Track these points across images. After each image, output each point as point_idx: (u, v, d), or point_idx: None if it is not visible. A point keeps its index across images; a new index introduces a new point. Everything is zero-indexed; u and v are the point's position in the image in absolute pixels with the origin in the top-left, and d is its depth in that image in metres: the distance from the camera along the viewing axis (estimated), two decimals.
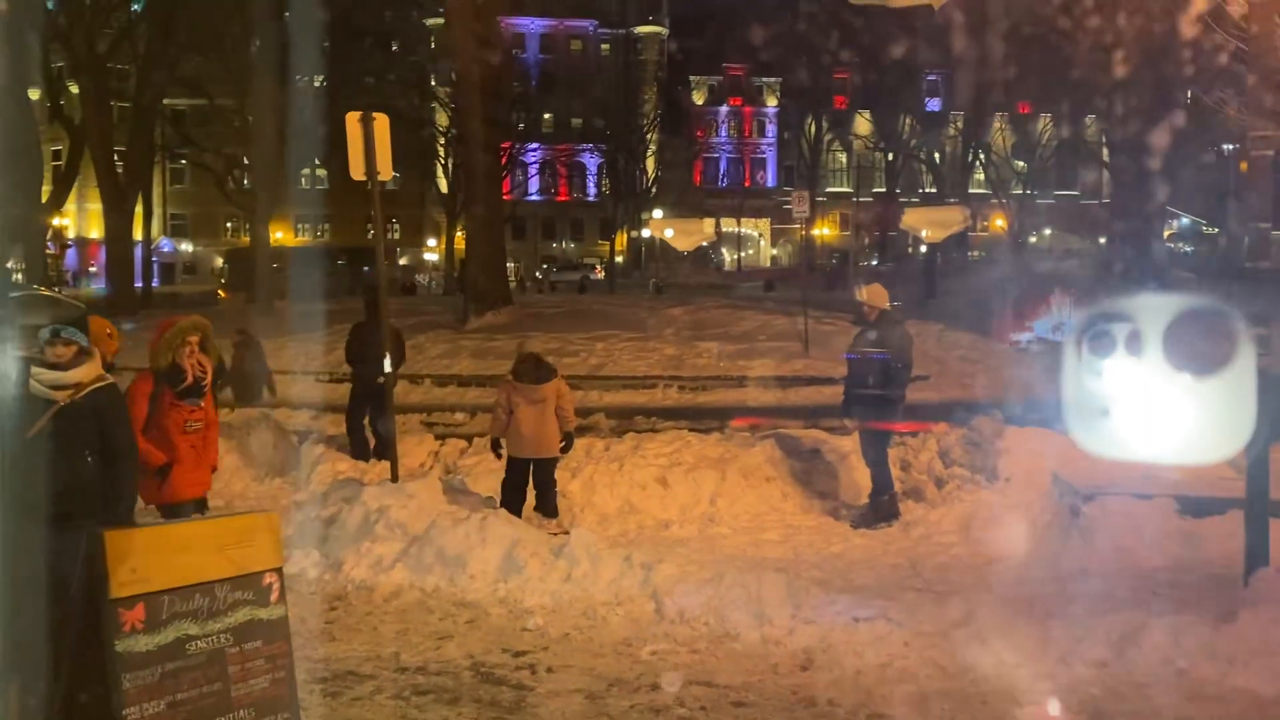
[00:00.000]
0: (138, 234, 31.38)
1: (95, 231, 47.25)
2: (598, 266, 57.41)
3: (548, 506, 8.29)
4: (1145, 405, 5.57)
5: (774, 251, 70.52)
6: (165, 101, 31.95)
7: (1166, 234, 41.89)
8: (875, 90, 54.88)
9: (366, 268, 34.31)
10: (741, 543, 8.17)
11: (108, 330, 5.90)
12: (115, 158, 28.04)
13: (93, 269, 52.08)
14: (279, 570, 4.00)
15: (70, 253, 53.04)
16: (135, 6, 29.78)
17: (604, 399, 13.96)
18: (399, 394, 12.90)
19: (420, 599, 6.72)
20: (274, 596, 3.94)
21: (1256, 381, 5.31)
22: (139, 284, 30.27)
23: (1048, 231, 64.01)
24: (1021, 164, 54.42)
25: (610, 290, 39.55)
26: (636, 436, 10.18)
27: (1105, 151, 41.64)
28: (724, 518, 8.71)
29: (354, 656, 5.75)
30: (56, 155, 38.88)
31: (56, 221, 36.86)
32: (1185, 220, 54.05)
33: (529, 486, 8.33)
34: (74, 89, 30.98)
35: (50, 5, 27.81)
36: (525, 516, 8.15)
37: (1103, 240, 46.66)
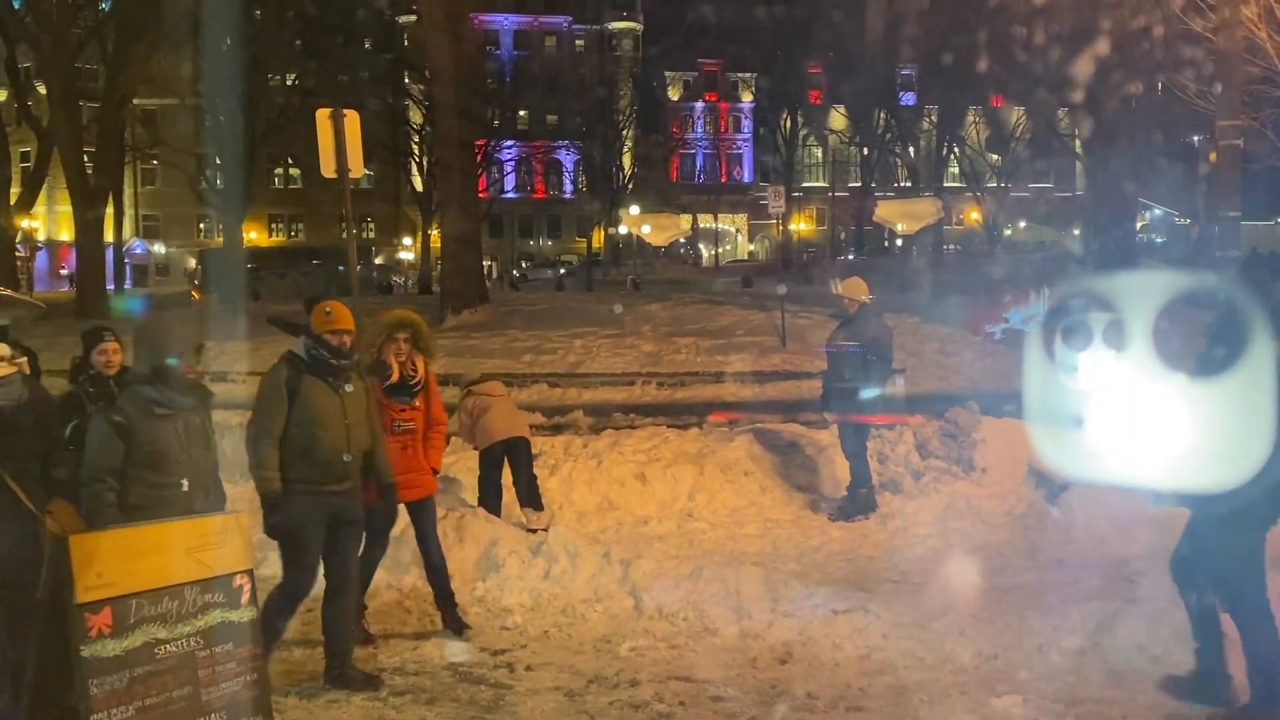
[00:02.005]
0: (109, 235, 31.04)
1: (66, 234, 46.73)
2: (573, 263, 57.33)
3: (533, 496, 8.05)
4: (1129, 413, 4.52)
5: (751, 247, 70.68)
6: (135, 101, 31.61)
7: (1139, 224, 42.26)
8: (849, 85, 55.08)
9: (341, 266, 34.14)
10: (720, 537, 8.16)
11: (325, 309, 5.29)
12: (85, 158, 27.70)
13: (63, 271, 51.52)
14: (250, 572, 3.95)
15: (40, 255, 52.42)
16: (104, 5, 29.45)
17: (582, 396, 13.93)
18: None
19: (398, 599, 6.68)
20: (245, 598, 3.89)
21: (1275, 385, 4.21)
22: (111, 286, 29.95)
23: (1022, 224, 64.53)
24: (995, 157, 54.77)
25: (589, 288, 39.48)
26: (615, 433, 10.16)
27: (1078, 144, 42.02)
28: (702, 513, 8.70)
29: None
30: (25, 156, 38.42)
31: (26, 224, 36.39)
32: (1157, 211, 54.56)
33: (504, 483, 8.25)
34: (41, 89, 30.59)
35: (16, 4, 27.44)
36: (504, 515, 8.08)
37: (1077, 232, 47.05)
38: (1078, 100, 18.65)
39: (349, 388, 5.21)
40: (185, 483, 4.50)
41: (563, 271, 52.16)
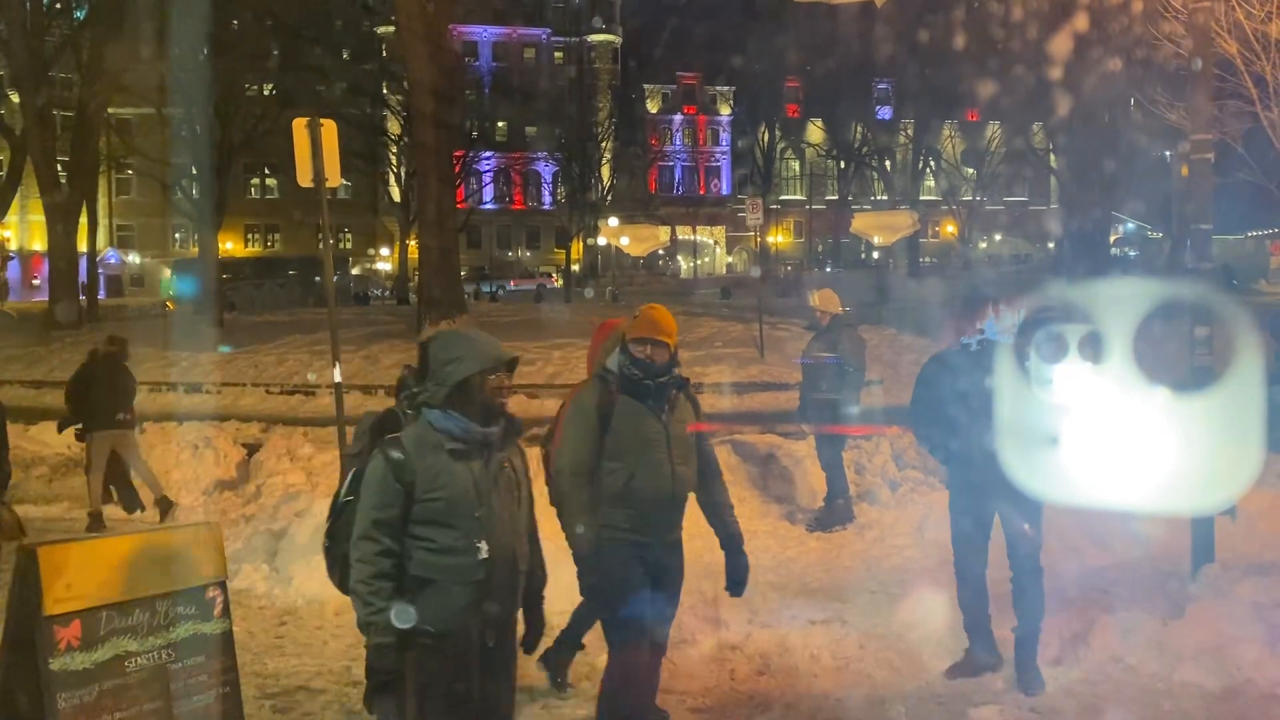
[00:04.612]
0: (82, 245, 30.75)
1: (39, 243, 46.28)
2: (553, 275, 57.30)
3: None
4: (1107, 429, 4.24)
5: (729, 259, 70.96)
6: (110, 110, 31.38)
7: (1113, 238, 42.74)
8: (827, 98, 55.51)
9: (317, 277, 33.98)
10: (698, 548, 8.05)
11: (637, 310, 4.43)
12: (59, 168, 27.47)
13: (35, 281, 51.00)
14: (222, 584, 3.90)
15: (12, 265, 51.89)
16: (78, 14, 29.24)
17: None
18: (351, 405, 12.76)
19: None
20: (217, 610, 3.84)
21: (1265, 400, 3.91)
22: (84, 296, 29.66)
23: (997, 236, 65.14)
24: (971, 171, 55.29)
25: (567, 299, 39.47)
26: None
27: (1052, 158, 42.50)
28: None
29: (305, 671, 5.65)
30: None
31: None
32: (1131, 225, 55.18)
33: None
34: (15, 98, 30.33)
35: None
36: None
37: (1051, 245, 47.51)
38: (1056, 77, 18.83)
39: (673, 412, 4.24)
40: (483, 546, 3.31)
41: (539, 284, 51.31)
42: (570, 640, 5.22)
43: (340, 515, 3.44)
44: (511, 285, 52.13)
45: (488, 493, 3.34)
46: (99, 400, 9.13)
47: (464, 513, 3.28)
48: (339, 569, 3.43)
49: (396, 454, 3.28)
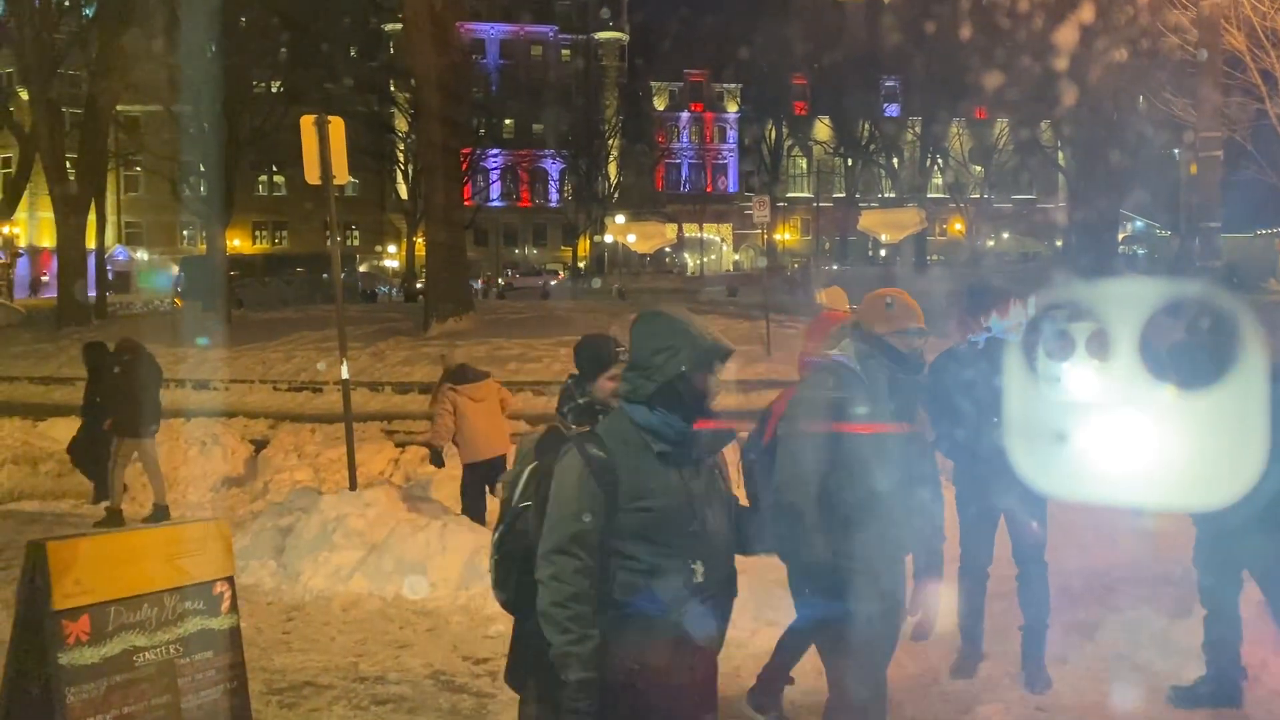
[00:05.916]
0: (91, 242, 30.87)
1: (48, 240, 46.44)
2: (559, 272, 57.31)
3: None
4: (1114, 427, 4.20)
5: (736, 256, 70.92)
6: (119, 108, 31.48)
7: (1121, 236, 42.64)
8: (834, 95, 55.47)
9: (325, 274, 34.04)
10: None
11: (885, 299, 3.82)
12: (67, 165, 27.58)
13: (44, 278, 51.16)
14: (230, 579, 3.92)
15: (21, 262, 52.06)
16: (87, 11, 29.34)
17: None
18: (359, 402, 12.81)
19: (380, 608, 6.64)
20: (225, 606, 3.86)
21: (1268, 397, 3.95)
22: (92, 293, 29.78)
23: (1005, 234, 64.99)
24: (979, 168, 55.19)
25: (574, 296, 39.49)
26: None
27: (1060, 155, 42.43)
28: None
29: (311, 667, 5.67)
30: (6, 163, 38.16)
31: (6, 230, 36.18)
32: (1139, 223, 55.00)
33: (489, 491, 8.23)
34: (24, 94, 30.44)
35: None
36: (489, 523, 8.05)
37: (1059, 243, 47.40)
38: (1063, 68, 18.75)
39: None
40: (698, 567, 2.79)
41: (544, 281, 50.71)
42: (778, 674, 4.86)
43: (515, 522, 2.94)
44: (479, 284, 45.60)
45: (702, 505, 2.82)
46: (133, 408, 9.20)
47: (677, 528, 2.76)
48: (512, 586, 2.93)
49: (597, 451, 2.74)
